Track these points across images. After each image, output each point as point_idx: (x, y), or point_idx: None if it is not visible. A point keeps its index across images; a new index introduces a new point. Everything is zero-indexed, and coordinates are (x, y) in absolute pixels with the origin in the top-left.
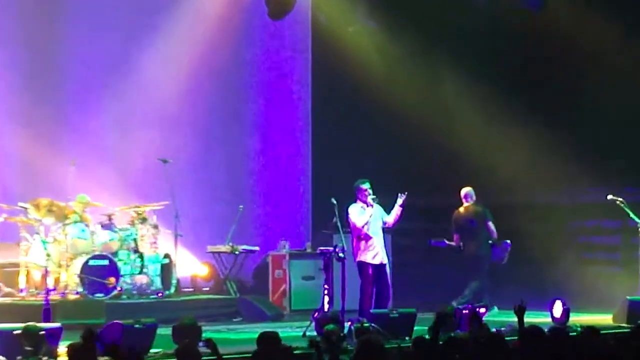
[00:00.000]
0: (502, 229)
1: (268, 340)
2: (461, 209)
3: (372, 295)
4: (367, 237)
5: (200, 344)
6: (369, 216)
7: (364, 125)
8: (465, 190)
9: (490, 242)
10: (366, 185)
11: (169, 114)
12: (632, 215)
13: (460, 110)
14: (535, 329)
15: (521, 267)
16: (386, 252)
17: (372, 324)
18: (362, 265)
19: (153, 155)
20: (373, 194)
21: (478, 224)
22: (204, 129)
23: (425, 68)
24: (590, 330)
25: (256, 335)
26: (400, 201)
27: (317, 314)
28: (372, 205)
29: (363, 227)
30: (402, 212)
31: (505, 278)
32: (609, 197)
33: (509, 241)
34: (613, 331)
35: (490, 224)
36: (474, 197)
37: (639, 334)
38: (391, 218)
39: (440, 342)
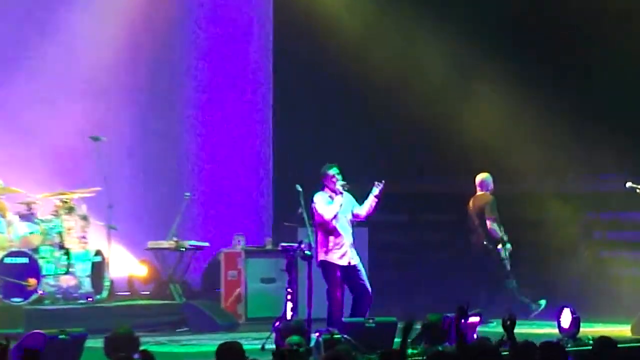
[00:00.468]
0: (501, 221)
1: (229, 354)
2: (471, 200)
3: (342, 302)
4: (336, 233)
5: (136, 356)
6: (338, 206)
7: (333, 102)
8: (478, 178)
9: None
10: (334, 171)
11: (102, 86)
12: None
13: (447, 80)
14: (529, 345)
15: (524, 267)
16: (357, 251)
17: (344, 336)
18: (327, 267)
19: (83, 133)
20: (343, 180)
21: (479, 217)
22: (143, 102)
23: (404, 30)
24: (604, 343)
25: (204, 349)
26: (376, 191)
27: (278, 323)
28: (341, 194)
29: (332, 219)
30: (377, 203)
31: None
32: (628, 184)
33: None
34: (632, 345)
35: (489, 223)
36: (489, 186)
37: None
38: (363, 210)
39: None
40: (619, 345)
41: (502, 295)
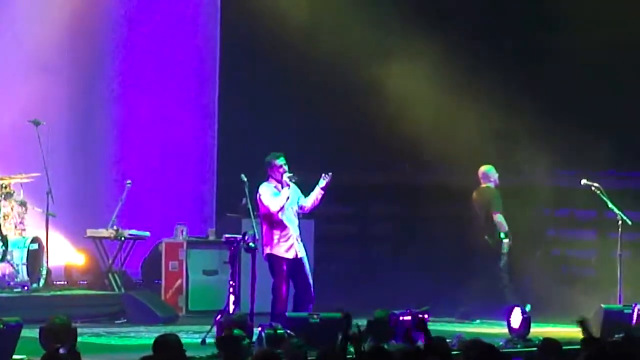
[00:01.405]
0: (452, 214)
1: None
2: (474, 192)
3: (287, 296)
4: (282, 226)
5: (62, 350)
6: (285, 198)
7: (282, 89)
8: (481, 169)
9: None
10: (280, 161)
11: (42, 66)
12: (610, 205)
13: (396, 69)
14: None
15: (472, 265)
16: (303, 244)
17: (288, 331)
18: (274, 260)
19: (21, 118)
20: (289, 172)
21: (483, 211)
22: (85, 85)
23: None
24: (549, 345)
25: (143, 342)
26: (322, 183)
27: (220, 316)
28: (288, 185)
29: (278, 212)
30: (323, 196)
31: (452, 279)
32: (583, 182)
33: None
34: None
35: (496, 217)
36: (491, 178)
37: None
38: (309, 202)
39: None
40: (564, 347)
41: (492, 293)
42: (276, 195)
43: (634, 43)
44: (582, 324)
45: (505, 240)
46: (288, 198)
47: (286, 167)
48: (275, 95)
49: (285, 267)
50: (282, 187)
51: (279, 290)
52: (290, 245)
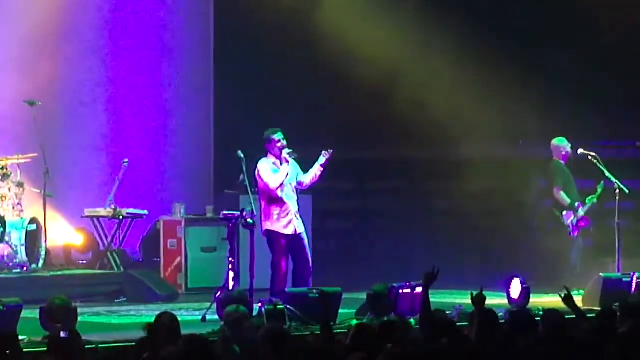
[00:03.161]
0: (448, 188)
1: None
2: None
3: (287, 272)
4: (280, 202)
5: (62, 334)
6: (284, 175)
7: (277, 66)
8: (551, 143)
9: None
10: (278, 136)
11: (36, 45)
12: (607, 173)
13: (393, 44)
14: (490, 314)
15: (471, 235)
16: (302, 219)
17: (287, 306)
18: (273, 236)
19: (18, 97)
20: (288, 147)
21: (549, 185)
22: (80, 65)
23: None
24: (551, 314)
25: (143, 320)
26: (322, 160)
27: (219, 293)
28: (287, 162)
29: (277, 188)
30: (322, 172)
31: (450, 250)
32: (580, 151)
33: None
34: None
35: (555, 192)
36: (561, 151)
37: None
38: (307, 178)
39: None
40: (568, 317)
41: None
42: (275, 172)
43: None
44: (567, 299)
45: (564, 213)
46: (287, 174)
47: (285, 142)
48: (274, 70)
49: (284, 243)
50: (282, 163)
51: (278, 266)
52: (289, 221)
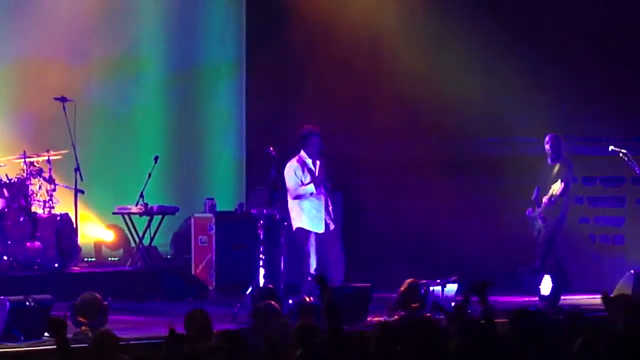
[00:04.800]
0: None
1: (196, 321)
2: None
3: (316, 269)
4: (309, 200)
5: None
6: (307, 194)
7: (309, 61)
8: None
9: None
10: (316, 134)
11: (71, 43)
12: (638, 170)
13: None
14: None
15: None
16: (332, 215)
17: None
18: (301, 233)
19: (49, 94)
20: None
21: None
22: (112, 64)
23: None
24: (573, 314)
25: (173, 317)
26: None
27: (250, 290)
28: (318, 160)
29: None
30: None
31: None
32: (611, 148)
33: None
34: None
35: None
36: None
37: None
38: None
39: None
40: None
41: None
42: (299, 184)
43: None
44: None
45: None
46: (317, 173)
47: (320, 144)
48: (304, 69)
49: (313, 240)
50: (314, 163)
51: (308, 263)
52: (317, 218)
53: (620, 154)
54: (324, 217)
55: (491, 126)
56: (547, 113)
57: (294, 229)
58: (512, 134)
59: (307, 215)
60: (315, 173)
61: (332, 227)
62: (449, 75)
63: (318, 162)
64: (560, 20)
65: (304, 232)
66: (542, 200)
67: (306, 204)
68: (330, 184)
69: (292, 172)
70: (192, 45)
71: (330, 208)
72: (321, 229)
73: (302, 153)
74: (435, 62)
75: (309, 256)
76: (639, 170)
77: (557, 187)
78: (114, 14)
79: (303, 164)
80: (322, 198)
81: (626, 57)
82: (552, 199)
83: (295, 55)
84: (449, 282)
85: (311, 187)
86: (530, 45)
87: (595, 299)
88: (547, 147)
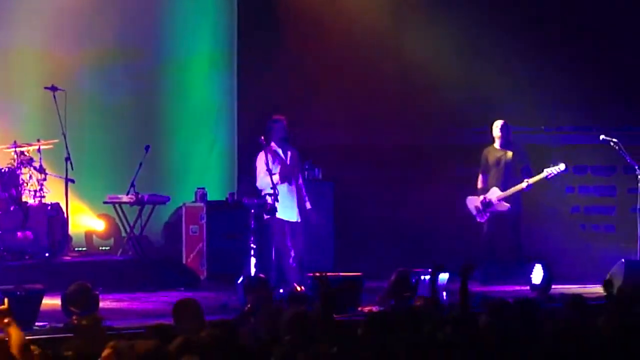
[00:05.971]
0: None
1: (186, 311)
2: None
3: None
4: (277, 190)
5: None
6: (272, 190)
7: (301, 52)
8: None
9: None
10: (279, 124)
11: (62, 32)
12: (630, 160)
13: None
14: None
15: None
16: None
17: (307, 292)
18: (271, 222)
19: (40, 83)
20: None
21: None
22: (104, 54)
23: None
24: (574, 300)
25: (163, 306)
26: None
27: (242, 279)
28: (290, 150)
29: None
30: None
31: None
32: (602, 137)
33: None
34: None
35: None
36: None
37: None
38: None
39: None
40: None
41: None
42: (265, 178)
43: None
44: (607, 284)
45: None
46: (285, 162)
47: (285, 132)
48: (297, 56)
49: (280, 229)
50: (284, 154)
51: (279, 253)
52: (289, 207)
53: (611, 143)
54: (295, 206)
55: (483, 116)
56: (538, 102)
57: (266, 218)
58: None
59: (279, 204)
60: (286, 163)
61: (298, 218)
62: (440, 66)
63: (290, 153)
64: (552, 10)
65: (272, 221)
66: (492, 186)
67: (275, 194)
68: (301, 173)
69: (259, 163)
70: (184, 35)
71: (305, 197)
72: (294, 218)
73: (272, 143)
74: (427, 54)
75: (277, 244)
76: (629, 159)
77: (540, 175)
78: (105, 3)
79: (274, 154)
80: (293, 188)
81: (617, 47)
82: (530, 185)
83: (287, 45)
84: (441, 272)
85: (276, 178)
86: (521, 36)
87: (587, 288)
88: (498, 132)
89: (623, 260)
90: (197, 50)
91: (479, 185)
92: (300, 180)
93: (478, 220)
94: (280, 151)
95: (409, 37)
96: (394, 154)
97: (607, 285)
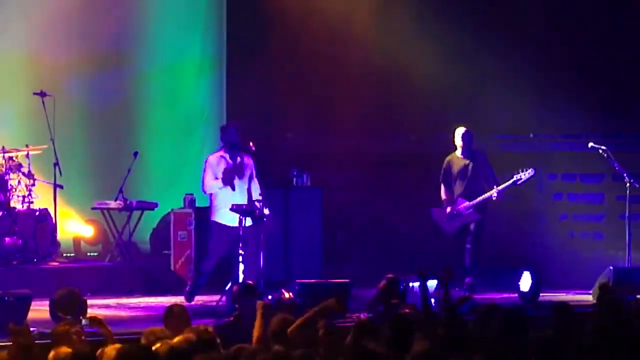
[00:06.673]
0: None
1: (175, 316)
2: None
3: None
4: (224, 194)
5: (83, 322)
6: (220, 191)
7: (290, 59)
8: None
9: None
10: (231, 129)
11: (51, 38)
12: (618, 167)
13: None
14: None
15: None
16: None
17: (296, 298)
18: (212, 227)
19: (28, 88)
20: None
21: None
22: (92, 60)
23: None
24: (561, 308)
25: (153, 312)
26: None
27: (230, 285)
28: (239, 156)
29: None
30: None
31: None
32: (590, 144)
33: None
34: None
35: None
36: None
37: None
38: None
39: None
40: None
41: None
42: (214, 181)
43: None
44: (603, 288)
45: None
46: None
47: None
48: (286, 62)
49: (222, 235)
50: (232, 158)
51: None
52: (230, 213)
53: (600, 151)
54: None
55: (471, 123)
56: (526, 109)
57: (210, 221)
58: (490, 132)
59: (219, 209)
60: (229, 167)
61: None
62: (425, 71)
63: (239, 159)
64: (542, 19)
65: (215, 226)
66: (459, 196)
67: (219, 198)
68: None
69: (206, 167)
70: (172, 41)
71: (259, 204)
72: (234, 223)
73: (222, 149)
74: (412, 59)
75: (213, 247)
76: (618, 166)
77: (510, 181)
78: (94, 8)
79: (220, 159)
80: (242, 195)
81: (606, 54)
82: (501, 191)
83: (276, 51)
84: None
85: (219, 183)
86: (510, 44)
87: (575, 295)
88: (459, 140)
89: (611, 267)
90: (185, 56)
91: (443, 196)
92: (256, 186)
93: (447, 232)
94: (227, 156)
95: (395, 42)
96: (383, 160)
97: (602, 290)
